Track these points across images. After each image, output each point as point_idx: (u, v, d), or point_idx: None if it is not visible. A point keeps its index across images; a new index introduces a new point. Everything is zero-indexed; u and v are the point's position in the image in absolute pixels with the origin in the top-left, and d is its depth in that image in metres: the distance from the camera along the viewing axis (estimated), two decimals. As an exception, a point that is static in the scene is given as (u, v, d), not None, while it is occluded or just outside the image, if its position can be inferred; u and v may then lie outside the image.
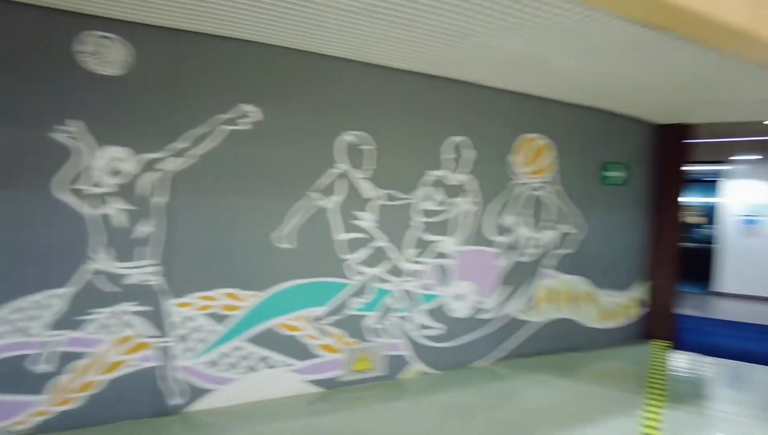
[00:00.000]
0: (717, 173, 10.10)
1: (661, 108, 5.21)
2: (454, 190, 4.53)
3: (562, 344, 5.33)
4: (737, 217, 9.73)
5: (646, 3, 2.54)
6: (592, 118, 5.37)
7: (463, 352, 4.68)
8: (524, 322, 5.06)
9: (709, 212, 10.88)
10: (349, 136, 3.96)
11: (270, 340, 3.73)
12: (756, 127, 6.77)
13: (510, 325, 4.96)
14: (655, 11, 2.65)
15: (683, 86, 4.26)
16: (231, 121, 3.52)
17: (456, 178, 4.53)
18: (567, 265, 5.31)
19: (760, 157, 9.30)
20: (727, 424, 3.81)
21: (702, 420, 3.86)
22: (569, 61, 3.67)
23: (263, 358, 3.72)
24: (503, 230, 4.85)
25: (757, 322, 7.45)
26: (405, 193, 4.26)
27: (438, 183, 4.43)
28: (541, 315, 5.18)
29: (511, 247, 4.91)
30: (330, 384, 3.99)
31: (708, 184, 10.61)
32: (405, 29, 3.16)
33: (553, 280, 5.23)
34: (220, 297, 3.55)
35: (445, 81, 4.36)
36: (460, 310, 4.62)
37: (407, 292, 4.31)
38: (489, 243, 4.76)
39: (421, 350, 4.42)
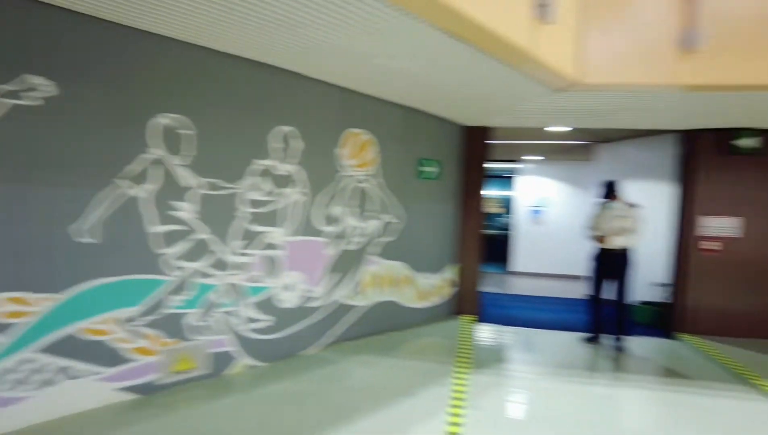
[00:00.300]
0: (512, 170, 11.85)
1: (467, 111, 5.88)
2: (283, 181, 4.51)
3: (385, 325, 5.73)
4: (527, 208, 11.58)
5: (444, 11, 2.85)
6: (410, 117, 5.82)
7: (292, 342, 4.71)
8: (351, 306, 5.30)
9: (506, 203, 12.70)
10: (164, 119, 3.65)
11: (71, 347, 3.27)
12: (540, 133, 8.09)
13: (338, 311, 5.15)
14: (452, 21, 2.99)
15: (482, 93, 4.85)
16: (13, 95, 2.97)
17: (284, 168, 4.51)
18: (389, 252, 5.71)
19: (543, 158, 11.18)
20: (521, 381, 4.52)
21: (500, 380, 4.50)
22: (386, 61, 3.92)
23: (62, 369, 3.25)
24: (331, 220, 5.00)
25: (542, 295, 8.98)
26: (230, 182, 4.09)
27: (266, 173, 4.36)
28: (367, 299, 5.48)
29: (339, 237, 5.09)
30: (146, 389, 3.67)
31: (505, 179, 12.37)
32: (234, 13, 3.02)
33: (377, 266, 5.57)
34: (1, 303, 2.99)
35: (273, 69, 4.27)
36: (290, 300, 4.64)
37: (233, 285, 4.17)
38: (318, 233, 4.86)
39: (248, 344, 4.33)
